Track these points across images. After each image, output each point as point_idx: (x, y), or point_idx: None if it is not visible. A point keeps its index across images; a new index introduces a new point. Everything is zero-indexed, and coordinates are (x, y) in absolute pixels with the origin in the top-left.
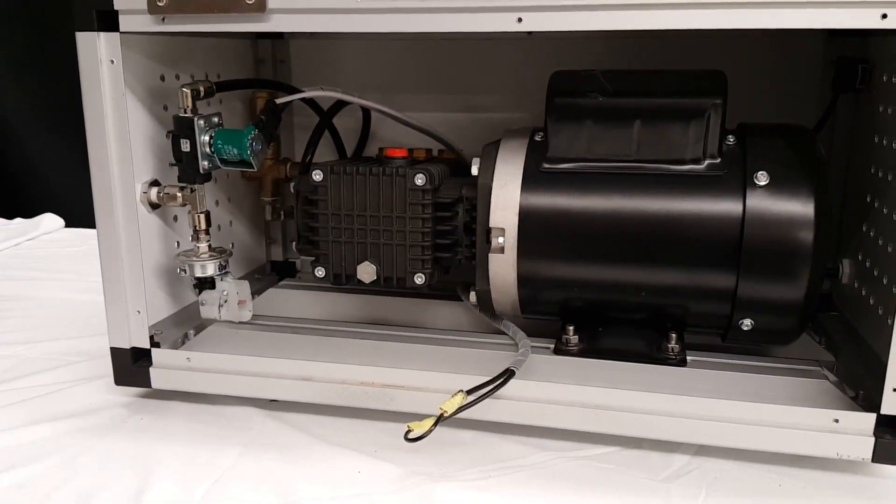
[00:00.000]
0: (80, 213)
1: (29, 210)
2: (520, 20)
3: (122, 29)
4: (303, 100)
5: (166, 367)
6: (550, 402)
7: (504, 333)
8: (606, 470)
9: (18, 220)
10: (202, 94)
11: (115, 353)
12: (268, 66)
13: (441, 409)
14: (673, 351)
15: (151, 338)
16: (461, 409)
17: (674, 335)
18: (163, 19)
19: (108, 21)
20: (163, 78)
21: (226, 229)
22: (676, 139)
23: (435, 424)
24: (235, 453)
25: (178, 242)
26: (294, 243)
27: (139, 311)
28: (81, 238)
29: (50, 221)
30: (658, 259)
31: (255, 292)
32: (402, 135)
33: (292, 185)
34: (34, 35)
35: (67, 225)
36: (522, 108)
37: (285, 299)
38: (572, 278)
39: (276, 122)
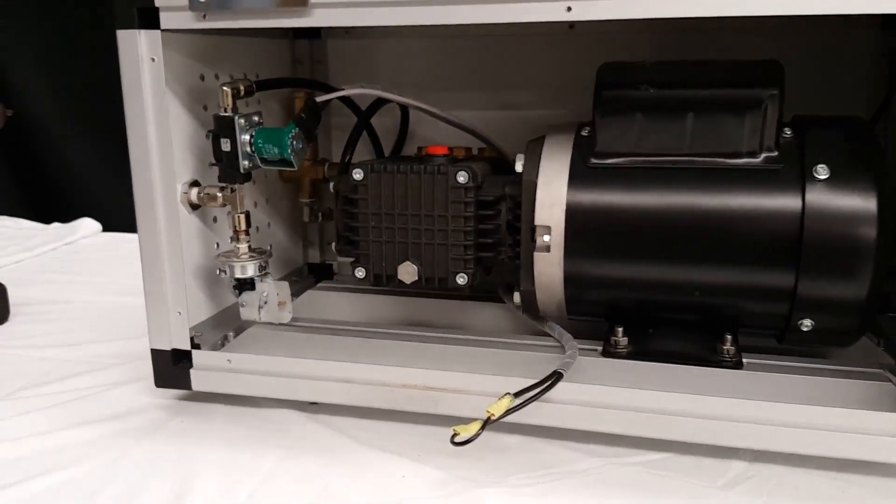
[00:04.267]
0: (117, 218)
1: (66, 214)
2: (569, 9)
3: (162, 26)
4: (342, 99)
5: (207, 369)
6: (600, 406)
7: (549, 335)
8: (662, 476)
9: (56, 224)
10: (242, 92)
11: (156, 354)
12: (305, 66)
13: (488, 412)
14: (728, 353)
15: (192, 339)
16: (508, 412)
17: (729, 336)
18: (203, 16)
19: (148, 18)
20: (202, 77)
21: (264, 231)
22: (731, 132)
23: (482, 428)
24: (277, 456)
25: (217, 244)
26: (333, 244)
27: (180, 313)
28: (118, 242)
29: (87, 226)
30: (713, 257)
31: (294, 294)
32: (440, 133)
33: (331, 185)
34: (71, 37)
35: (105, 229)
36: (560, 104)
37: (324, 301)
38: (622, 277)
39: (316, 121)
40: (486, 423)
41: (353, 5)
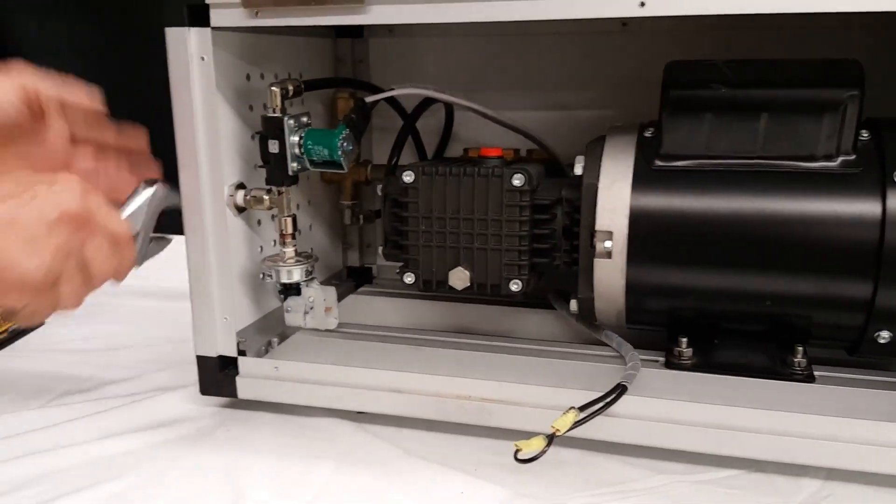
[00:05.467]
0: None
1: None
2: (643, 4)
3: (213, 24)
4: (387, 99)
5: (253, 377)
6: (666, 421)
7: (605, 345)
8: (732, 496)
9: None
10: (291, 93)
11: (202, 361)
12: (346, 65)
13: (553, 427)
14: (799, 365)
15: (238, 346)
16: (574, 426)
17: (800, 348)
18: (256, 13)
19: (199, 16)
20: (248, 77)
21: (305, 233)
22: (807, 134)
23: (548, 444)
24: (329, 469)
25: (261, 247)
26: (380, 248)
27: (226, 318)
28: None
29: None
30: (786, 265)
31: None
32: (485, 135)
33: (379, 187)
34: (85, 31)
35: None
36: (611, 105)
37: (366, 306)
38: (688, 286)
39: (365, 122)
40: (552, 439)
41: (414, 1)
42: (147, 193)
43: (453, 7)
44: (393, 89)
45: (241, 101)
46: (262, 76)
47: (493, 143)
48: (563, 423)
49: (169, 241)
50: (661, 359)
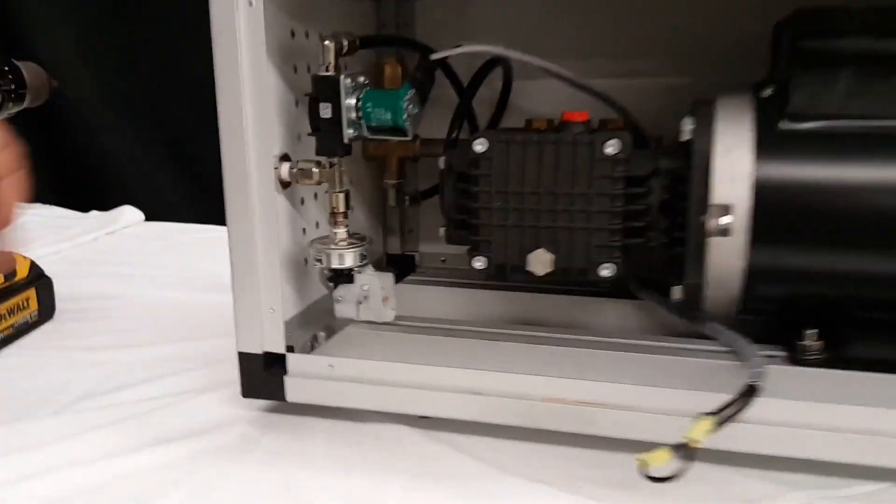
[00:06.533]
0: (157, 208)
1: (104, 203)
2: None
3: None
4: (441, 65)
5: (305, 377)
6: (799, 426)
7: (707, 338)
8: None
9: (95, 212)
10: (346, 48)
11: (245, 359)
12: (390, 29)
13: (688, 438)
14: None
15: (286, 341)
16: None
17: None
18: None
19: None
20: (293, 34)
21: None
22: None
23: (685, 457)
24: (400, 485)
25: (304, 229)
26: (442, 230)
27: (273, 309)
28: (167, 232)
29: (130, 214)
30: None
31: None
32: (544, 104)
33: (441, 160)
34: (108, 21)
35: (146, 219)
36: (685, 72)
37: (416, 297)
38: (822, 268)
39: (430, 83)
40: (687, 452)
41: None
42: None
43: None
44: (461, 45)
45: (284, 60)
46: (306, 34)
47: (554, 113)
48: (698, 433)
49: None
50: (781, 353)
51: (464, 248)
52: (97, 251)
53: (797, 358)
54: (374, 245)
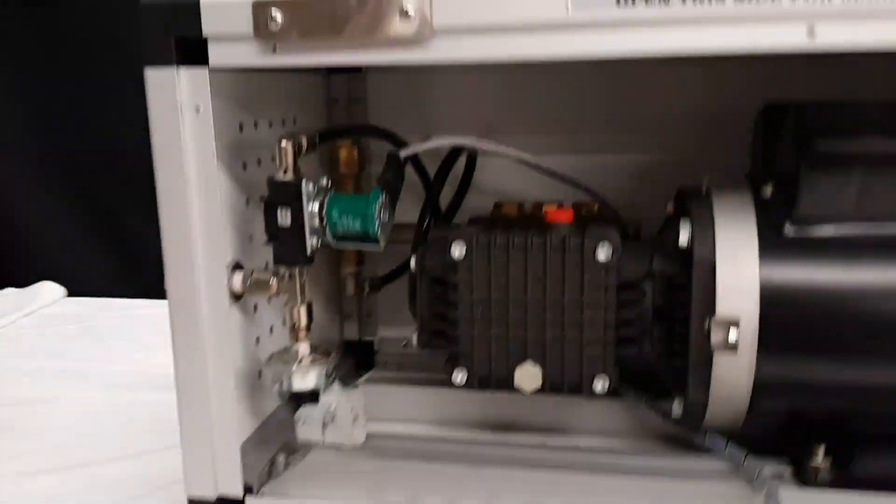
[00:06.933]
0: (78, 280)
1: (20, 278)
2: (812, 33)
3: (212, 63)
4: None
5: None
6: None
7: (705, 450)
8: None
9: (10, 290)
10: (305, 148)
11: None
12: (341, 106)
13: None
14: None
15: (245, 484)
16: None
17: None
18: (273, 48)
19: (192, 53)
20: (241, 127)
21: None
22: None
23: None
24: None
25: (257, 338)
26: (413, 337)
27: (229, 443)
28: (92, 311)
29: (49, 291)
30: None
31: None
32: (508, 184)
33: (413, 259)
34: (22, 81)
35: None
36: (661, 148)
37: (383, 400)
38: (836, 383)
39: (401, 182)
40: None
41: (485, 31)
42: None
43: (549, 38)
44: (432, 138)
45: (234, 157)
46: (255, 125)
47: (521, 191)
48: None
49: None
50: (783, 468)
51: None
52: (16, 338)
53: (807, 478)
54: (329, 333)
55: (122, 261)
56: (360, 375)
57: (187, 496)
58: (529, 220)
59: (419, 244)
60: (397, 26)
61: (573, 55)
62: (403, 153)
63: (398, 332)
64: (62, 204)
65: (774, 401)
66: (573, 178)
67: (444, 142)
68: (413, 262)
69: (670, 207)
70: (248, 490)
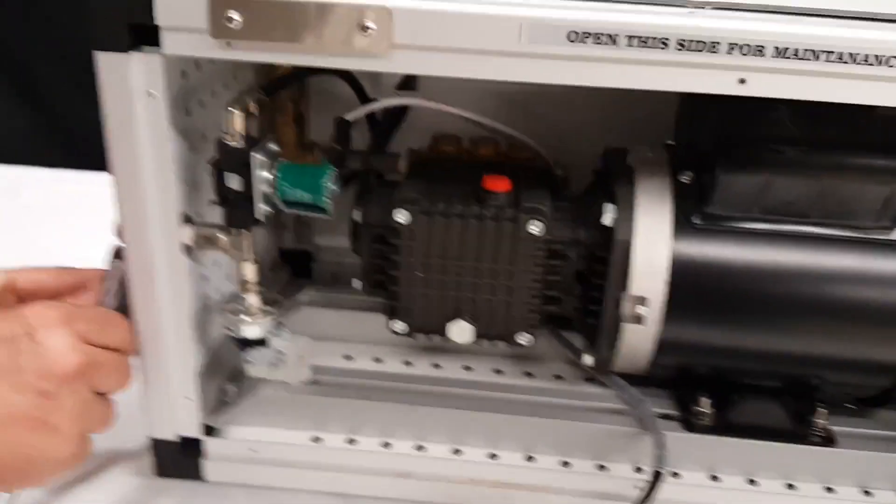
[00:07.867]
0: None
1: None
2: (743, 81)
3: (165, 50)
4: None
5: (224, 459)
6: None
7: (610, 388)
8: None
9: None
10: (255, 110)
11: (159, 444)
12: None
13: None
14: (819, 427)
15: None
16: None
17: (822, 410)
18: (228, 44)
19: (145, 38)
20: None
21: None
22: (872, 201)
23: None
24: None
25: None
26: (356, 281)
27: (189, 399)
28: (18, 181)
29: None
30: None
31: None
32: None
33: (355, 212)
34: None
35: None
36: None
37: (320, 321)
38: (723, 348)
39: (348, 147)
40: None
41: (445, 51)
42: (119, 269)
43: (506, 63)
44: (376, 100)
45: (178, 108)
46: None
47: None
48: None
49: None
50: (672, 413)
51: None
52: None
53: (692, 423)
54: (268, 243)
55: (47, 128)
56: (299, 286)
57: (150, 436)
58: (468, 176)
59: (363, 196)
60: (357, 40)
61: (525, 80)
62: (349, 116)
63: (334, 241)
64: None
65: (671, 360)
66: (507, 129)
67: (389, 102)
68: (356, 214)
69: (599, 164)
70: (208, 431)
